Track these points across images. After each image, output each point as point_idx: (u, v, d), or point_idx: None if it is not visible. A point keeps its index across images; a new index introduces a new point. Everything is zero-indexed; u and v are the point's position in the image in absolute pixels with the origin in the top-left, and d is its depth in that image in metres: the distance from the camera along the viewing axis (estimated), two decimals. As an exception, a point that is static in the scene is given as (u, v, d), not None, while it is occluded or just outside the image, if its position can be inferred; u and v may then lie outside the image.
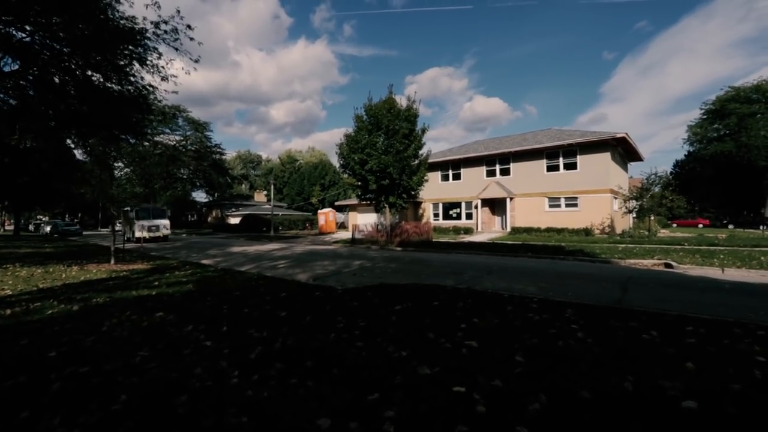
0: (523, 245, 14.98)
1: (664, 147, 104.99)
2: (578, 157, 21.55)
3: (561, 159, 22.26)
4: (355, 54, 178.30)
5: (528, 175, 23.37)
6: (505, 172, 24.62)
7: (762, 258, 10.24)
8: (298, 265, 10.77)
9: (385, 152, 17.26)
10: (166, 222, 19.76)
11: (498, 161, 24.89)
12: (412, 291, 6.21)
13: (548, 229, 21.28)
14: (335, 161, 22.29)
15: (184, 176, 48.17)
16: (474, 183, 25.42)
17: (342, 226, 39.47)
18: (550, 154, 22.74)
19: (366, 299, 5.67)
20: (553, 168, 22.66)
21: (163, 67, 13.35)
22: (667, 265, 9.82)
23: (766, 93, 34.99)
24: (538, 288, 6.96)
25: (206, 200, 56.07)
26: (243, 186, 67.50)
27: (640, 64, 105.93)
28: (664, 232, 25.98)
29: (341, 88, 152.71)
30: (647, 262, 10.24)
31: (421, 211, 28.50)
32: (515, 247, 14.45)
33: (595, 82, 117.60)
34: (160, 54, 13.26)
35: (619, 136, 20.32)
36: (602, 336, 3.81)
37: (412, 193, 18.49)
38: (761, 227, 30.47)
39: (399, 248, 16.12)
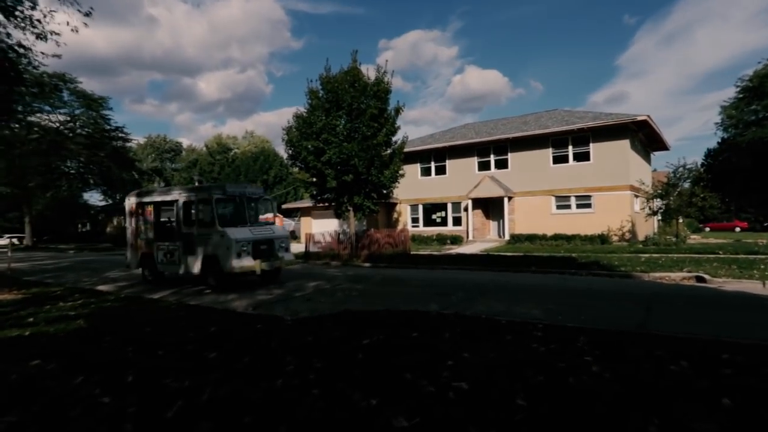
0: (524, 257, 15.40)
1: (693, 133, 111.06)
2: (591, 145, 22.48)
3: (570, 148, 23.11)
4: (312, 11, 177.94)
5: (530, 168, 24.09)
6: (501, 164, 25.20)
7: (808, 267, 11.05)
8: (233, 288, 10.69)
9: (348, 138, 17.33)
10: (284, 231, 12.25)
11: (493, 150, 25.46)
12: (384, 320, 6.25)
13: (556, 237, 22.01)
14: (283, 151, 21.99)
15: (72, 171, 45.72)
16: (463, 178, 25.91)
17: (292, 236, 39.16)
18: (556, 141, 23.55)
19: (324, 332, 5.65)
20: (560, 159, 23.47)
21: (39, 20, 12.91)
22: (699, 279, 10.44)
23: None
24: (544, 311, 7.19)
25: (104, 204, 53.88)
26: (155, 183, 65.45)
27: (662, 32, 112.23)
28: (694, 238, 27.49)
29: (294, 55, 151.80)
30: (675, 276, 10.85)
31: (395, 216, 28.71)
32: (515, 260, 14.85)
33: (610, 52, 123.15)
34: (35, 2, 12.80)
35: (640, 118, 21.36)
36: (622, 369, 3.97)
37: (384, 191, 18.58)
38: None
39: (367, 264, 16.22)
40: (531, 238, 22.53)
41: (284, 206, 37.59)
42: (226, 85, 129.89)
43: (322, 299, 8.96)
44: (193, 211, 11.38)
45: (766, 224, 41.67)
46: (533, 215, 23.70)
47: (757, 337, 5.30)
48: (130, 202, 12.59)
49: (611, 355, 4.42)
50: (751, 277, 10.06)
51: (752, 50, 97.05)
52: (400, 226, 27.06)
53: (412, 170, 27.51)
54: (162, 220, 12.52)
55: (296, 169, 19.12)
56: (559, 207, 23.31)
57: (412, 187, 27.44)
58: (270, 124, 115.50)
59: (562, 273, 12.07)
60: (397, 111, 18.40)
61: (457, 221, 26.49)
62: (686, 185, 22.09)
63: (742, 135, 42.94)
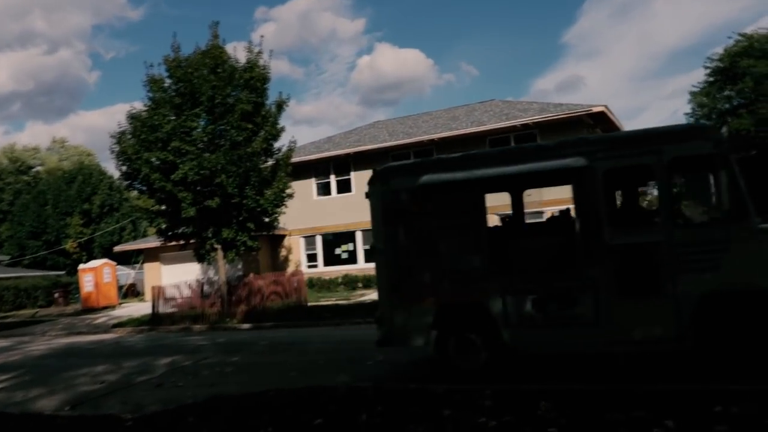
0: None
1: (661, 125, 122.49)
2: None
3: (514, 150, 24.37)
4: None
5: (464, 178, 24.96)
6: (426, 174, 25.89)
7: None
8: (39, 378, 10.06)
9: (211, 147, 17.11)
10: None
11: (414, 156, 25.60)
12: (271, 405, 6.14)
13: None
14: (114, 167, 20.96)
15: None
16: (376, 196, 26.17)
17: (132, 291, 37.54)
18: (495, 141, 24.65)
19: (183, 433, 5.38)
20: (502, 165, 24.63)
21: None
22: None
23: (787, 43, 43.52)
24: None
25: None
26: None
27: (614, 1, 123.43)
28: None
29: (130, 30, 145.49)
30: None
31: (284, 253, 28.34)
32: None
33: (555, 26, 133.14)
34: None
35: (596, 110, 23.14)
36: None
37: (266, 220, 18.44)
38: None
39: (246, 325, 15.93)
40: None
41: (117, 249, 35.65)
42: (24, 72, 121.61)
43: (181, 382, 8.62)
44: (659, 189, 7.27)
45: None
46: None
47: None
48: (397, 186, 8.07)
49: (582, 423, 4.65)
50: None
51: (719, 23, 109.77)
52: (291, 268, 26.74)
53: (305, 188, 27.37)
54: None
55: (135, 194, 18.30)
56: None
57: (306, 211, 27.19)
58: (95, 129, 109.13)
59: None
60: (280, 106, 18.44)
61: (371, 255, 26.56)
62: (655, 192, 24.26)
63: (717, 127, 48.05)
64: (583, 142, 7.85)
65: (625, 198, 8.56)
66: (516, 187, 8.65)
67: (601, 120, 24.52)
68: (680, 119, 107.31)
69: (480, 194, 7.62)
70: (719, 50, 47.38)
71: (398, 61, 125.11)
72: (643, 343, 6.79)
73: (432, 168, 8.19)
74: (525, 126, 23.82)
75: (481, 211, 7.68)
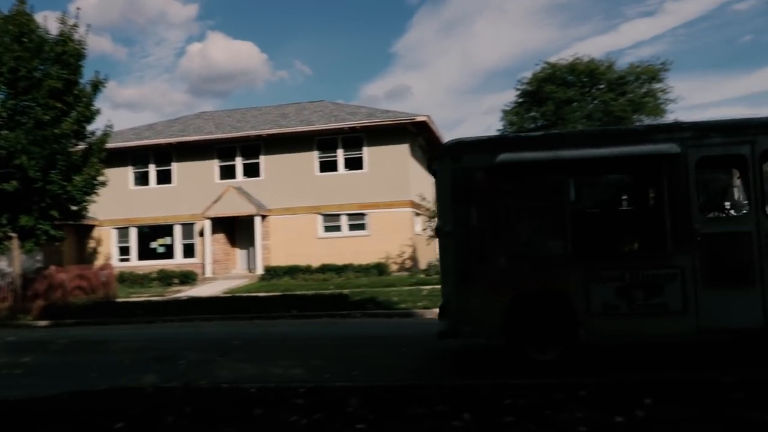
0: (283, 298, 15.84)
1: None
2: (365, 149, 24.58)
3: (341, 151, 24.84)
4: None
5: (291, 176, 24.97)
6: (252, 170, 25.53)
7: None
8: None
9: (11, 124, 15.91)
10: None
11: (241, 151, 25.64)
12: (66, 410, 5.67)
13: (323, 268, 23.09)
14: None
15: None
16: (198, 189, 25.35)
17: None
18: (323, 142, 25.04)
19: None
20: (329, 166, 24.98)
21: None
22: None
23: (581, 75, 49.29)
24: (308, 369, 7.52)
25: None
26: None
27: (441, 17, 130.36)
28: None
29: None
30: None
31: (93, 245, 26.48)
32: (271, 302, 15.17)
33: (387, 35, 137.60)
34: None
35: (419, 119, 24.35)
36: (400, 435, 4.39)
37: (74, 208, 17.40)
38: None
39: (44, 322, 14.84)
40: (292, 270, 23.18)
41: None
42: None
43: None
44: (750, 179, 7.06)
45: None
46: (295, 240, 24.48)
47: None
48: (470, 163, 7.36)
49: (388, 417, 4.85)
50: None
51: (530, 50, 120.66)
52: (100, 261, 25.18)
53: (121, 176, 25.70)
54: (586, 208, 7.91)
55: None
56: (327, 229, 24.67)
57: (121, 201, 25.55)
58: None
59: (332, 316, 12.85)
60: (97, 86, 17.55)
61: (189, 251, 25.69)
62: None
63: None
64: (676, 127, 7.61)
65: (715, 187, 8.43)
66: (603, 170, 8.13)
67: (423, 129, 25.77)
68: (494, 134, 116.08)
69: (565, 176, 7.21)
70: (528, 74, 52.22)
71: (231, 52, 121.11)
72: (730, 332, 7.04)
73: (510, 145, 7.69)
74: (352, 129, 24.35)
75: (566, 193, 7.27)
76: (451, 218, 7.20)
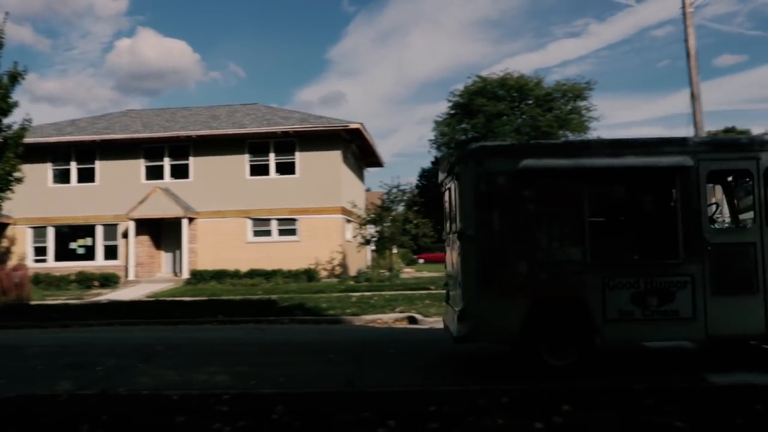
0: (210, 303, 15.72)
1: (408, 148, 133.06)
2: (297, 154, 24.63)
3: (273, 156, 24.80)
4: None
5: (220, 179, 24.70)
6: (180, 172, 25.12)
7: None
8: None
9: None
10: None
11: (169, 152, 25.19)
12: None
13: (252, 273, 23.02)
14: None
15: None
16: (123, 189, 24.71)
17: None
18: (255, 146, 24.92)
19: None
20: (260, 170, 24.88)
21: None
22: (412, 320, 12.65)
23: (511, 90, 50.85)
24: (233, 375, 7.43)
25: None
26: None
27: (377, 27, 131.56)
28: (408, 271, 32.97)
29: None
30: (388, 317, 12.88)
31: (6, 244, 25.35)
32: (197, 306, 15.02)
33: (322, 41, 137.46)
34: None
35: (352, 126, 24.61)
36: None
37: None
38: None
39: None
40: (219, 275, 22.98)
41: None
42: None
43: None
44: (755, 193, 7.44)
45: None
46: (223, 244, 24.25)
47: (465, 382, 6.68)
48: (493, 168, 7.43)
49: (314, 424, 4.84)
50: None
51: (463, 64, 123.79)
52: (13, 261, 24.12)
53: (39, 173, 24.77)
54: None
55: None
56: (257, 233, 24.53)
57: (38, 199, 24.63)
58: None
59: (259, 322, 12.80)
60: (14, 77, 16.98)
61: (111, 252, 24.97)
62: (400, 209, 26.34)
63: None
64: (689, 141, 7.94)
65: (722, 199, 8.86)
66: (621, 180, 8.12)
67: (356, 136, 26.02)
68: (425, 144, 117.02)
69: (585, 184, 7.35)
70: (460, 87, 53.42)
71: (162, 50, 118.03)
72: (736, 338, 7.39)
73: (532, 152, 7.87)
74: (285, 133, 24.36)
75: (585, 201, 7.35)
76: (473, 222, 7.26)
